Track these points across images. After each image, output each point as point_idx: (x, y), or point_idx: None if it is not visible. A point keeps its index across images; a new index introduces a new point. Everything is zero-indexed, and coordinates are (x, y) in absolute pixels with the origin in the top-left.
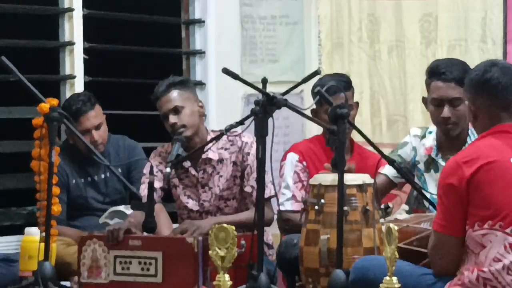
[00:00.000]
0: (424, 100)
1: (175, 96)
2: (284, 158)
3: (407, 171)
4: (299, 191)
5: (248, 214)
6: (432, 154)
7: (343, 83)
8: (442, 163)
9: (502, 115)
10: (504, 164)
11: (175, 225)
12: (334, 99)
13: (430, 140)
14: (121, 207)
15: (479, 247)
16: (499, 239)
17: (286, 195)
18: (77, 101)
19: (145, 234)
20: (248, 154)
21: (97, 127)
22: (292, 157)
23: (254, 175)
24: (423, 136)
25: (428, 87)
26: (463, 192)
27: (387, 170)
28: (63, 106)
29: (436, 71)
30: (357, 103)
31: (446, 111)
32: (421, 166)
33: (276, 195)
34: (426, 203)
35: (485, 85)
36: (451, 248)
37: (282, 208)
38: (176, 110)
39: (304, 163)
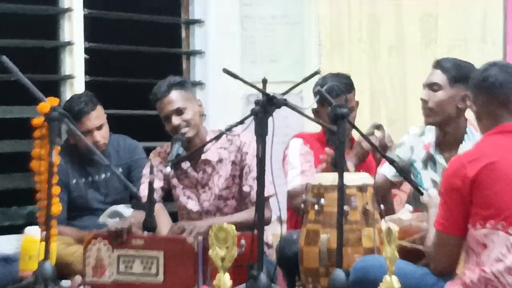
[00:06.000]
0: None
1: (176, 97)
2: (287, 147)
3: (406, 170)
4: (308, 168)
5: (245, 215)
6: (431, 150)
7: (345, 84)
8: (441, 160)
9: (502, 113)
10: (507, 164)
11: None
12: (337, 102)
13: (429, 137)
14: (120, 207)
15: (480, 247)
16: (501, 239)
17: (294, 173)
18: (79, 102)
19: (145, 233)
20: (247, 153)
21: (99, 128)
22: (296, 141)
23: (253, 174)
24: (422, 134)
25: None
26: (466, 192)
27: (386, 170)
28: (64, 106)
29: (436, 60)
30: (357, 102)
31: (424, 94)
32: (417, 164)
33: (275, 194)
34: None
35: (484, 83)
36: (453, 247)
37: (290, 186)
38: (179, 111)
39: (308, 145)
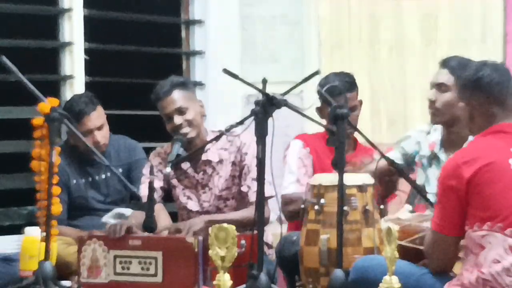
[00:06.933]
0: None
1: (178, 96)
2: (288, 147)
3: (406, 169)
4: (303, 175)
5: (242, 213)
6: (435, 149)
7: (347, 83)
8: (445, 159)
9: (497, 112)
10: (503, 165)
11: None
12: (337, 101)
13: (434, 136)
14: (124, 210)
15: (478, 248)
16: (498, 241)
17: (290, 179)
18: (79, 102)
19: (145, 234)
20: (246, 154)
21: (99, 128)
22: (296, 143)
23: (251, 175)
24: (429, 132)
25: None
26: (462, 193)
27: (391, 156)
28: (64, 107)
29: (443, 59)
30: (360, 101)
31: (431, 93)
32: (424, 161)
33: (275, 195)
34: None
35: (479, 82)
36: (449, 247)
37: (285, 191)
38: (181, 111)
39: (308, 148)
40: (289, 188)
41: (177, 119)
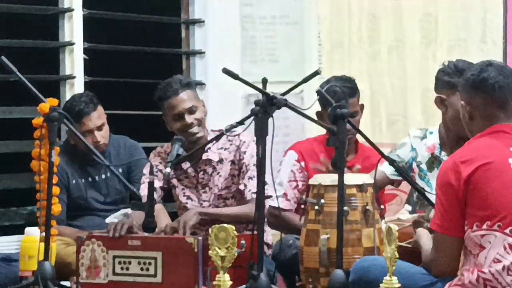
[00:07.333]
0: (439, 99)
1: (189, 96)
2: (285, 154)
3: (405, 170)
4: (291, 190)
5: (237, 209)
6: (436, 151)
7: (348, 89)
8: None
9: (499, 114)
10: (502, 165)
11: None
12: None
13: (432, 139)
14: (129, 210)
15: (478, 248)
16: (498, 240)
17: (278, 191)
18: (79, 102)
19: (145, 234)
20: (245, 152)
21: (100, 128)
22: (291, 155)
23: (249, 173)
24: (424, 137)
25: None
26: (461, 192)
27: (386, 167)
28: (64, 106)
29: (460, 67)
30: (362, 105)
31: None
32: (423, 166)
33: (276, 196)
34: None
35: (482, 84)
36: (450, 248)
37: (272, 203)
38: (191, 110)
39: (302, 163)
40: (275, 202)
41: (189, 118)
